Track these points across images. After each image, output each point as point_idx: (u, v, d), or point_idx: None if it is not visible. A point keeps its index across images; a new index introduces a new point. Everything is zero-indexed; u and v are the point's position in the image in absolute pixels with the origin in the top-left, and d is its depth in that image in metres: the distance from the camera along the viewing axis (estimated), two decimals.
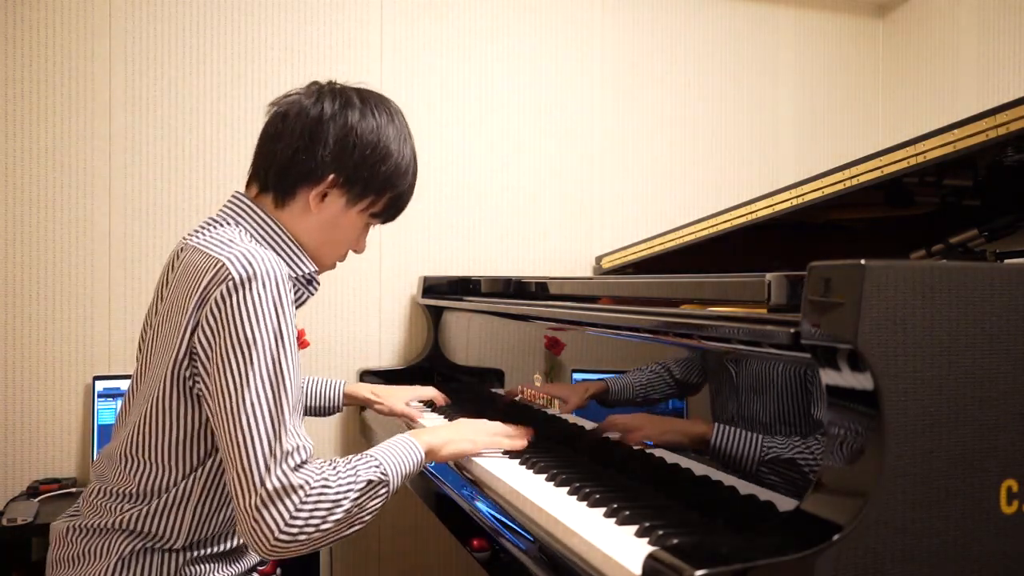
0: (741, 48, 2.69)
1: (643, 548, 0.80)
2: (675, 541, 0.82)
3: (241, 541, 1.16)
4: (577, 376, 1.33)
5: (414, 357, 2.29)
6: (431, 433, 1.19)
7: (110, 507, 1.08)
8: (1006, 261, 1.37)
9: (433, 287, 2.23)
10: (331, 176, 1.14)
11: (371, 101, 1.19)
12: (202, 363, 1.01)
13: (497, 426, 1.29)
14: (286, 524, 0.94)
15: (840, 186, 1.35)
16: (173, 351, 1.03)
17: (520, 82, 2.45)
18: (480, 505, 1.14)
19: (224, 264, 1.00)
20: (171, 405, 1.04)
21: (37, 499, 1.87)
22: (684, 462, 1.02)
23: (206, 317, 0.99)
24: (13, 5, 2.02)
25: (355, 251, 1.26)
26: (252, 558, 1.21)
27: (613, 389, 1.22)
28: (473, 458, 1.27)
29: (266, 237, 1.14)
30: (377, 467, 1.05)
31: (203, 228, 1.13)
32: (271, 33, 2.21)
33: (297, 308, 1.17)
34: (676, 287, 1.18)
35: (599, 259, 2.42)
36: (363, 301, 2.29)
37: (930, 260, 1.40)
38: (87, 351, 2.06)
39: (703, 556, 0.65)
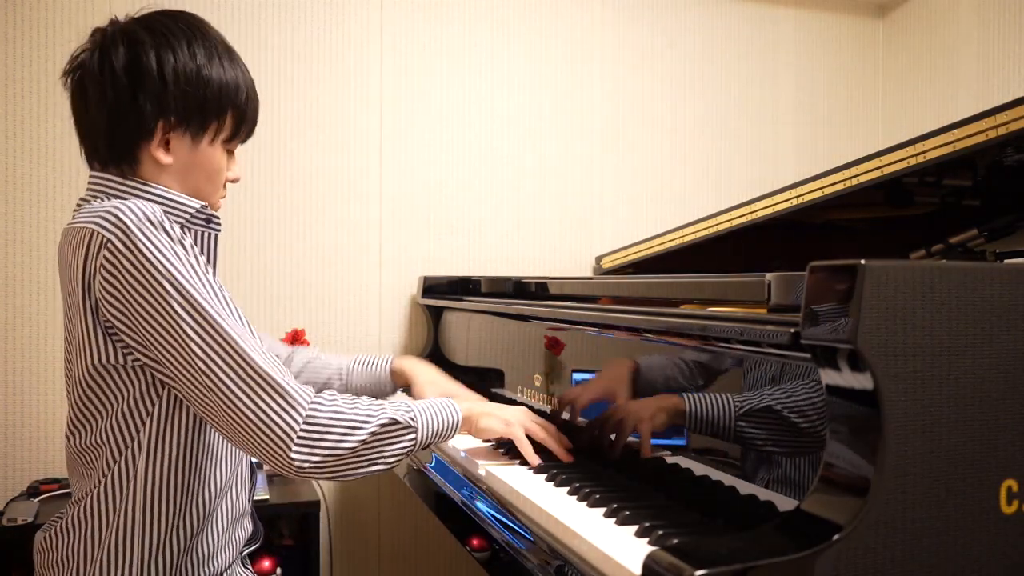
0: (741, 48, 2.69)
1: (643, 548, 0.80)
2: (675, 541, 0.82)
3: (203, 517, 1.10)
4: (577, 376, 1.33)
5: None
6: (471, 403, 1.19)
7: (71, 504, 1.07)
8: (1006, 261, 1.37)
9: (433, 287, 2.23)
10: (160, 123, 1.05)
11: (160, 28, 1.07)
12: (124, 335, 0.97)
13: (532, 423, 1.22)
14: (299, 434, 0.93)
15: (840, 186, 1.35)
16: (84, 338, 0.98)
17: (520, 82, 2.45)
18: (480, 505, 1.14)
19: (92, 230, 0.95)
20: (101, 391, 1.01)
21: (37, 499, 1.87)
22: (684, 462, 1.02)
23: (102, 289, 0.95)
24: (13, 5, 2.02)
25: (232, 181, 1.18)
26: (239, 537, 1.18)
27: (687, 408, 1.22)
28: (471, 456, 1.27)
29: (134, 196, 1.06)
30: (407, 411, 1.04)
31: (74, 213, 1.08)
32: (271, 33, 2.21)
33: (211, 253, 1.13)
34: (676, 287, 1.18)
35: (599, 259, 2.42)
36: (363, 301, 2.29)
37: (930, 260, 1.39)
38: None
39: (703, 556, 0.65)
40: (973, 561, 0.71)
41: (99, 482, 1.03)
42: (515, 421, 1.20)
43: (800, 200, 1.45)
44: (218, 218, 1.14)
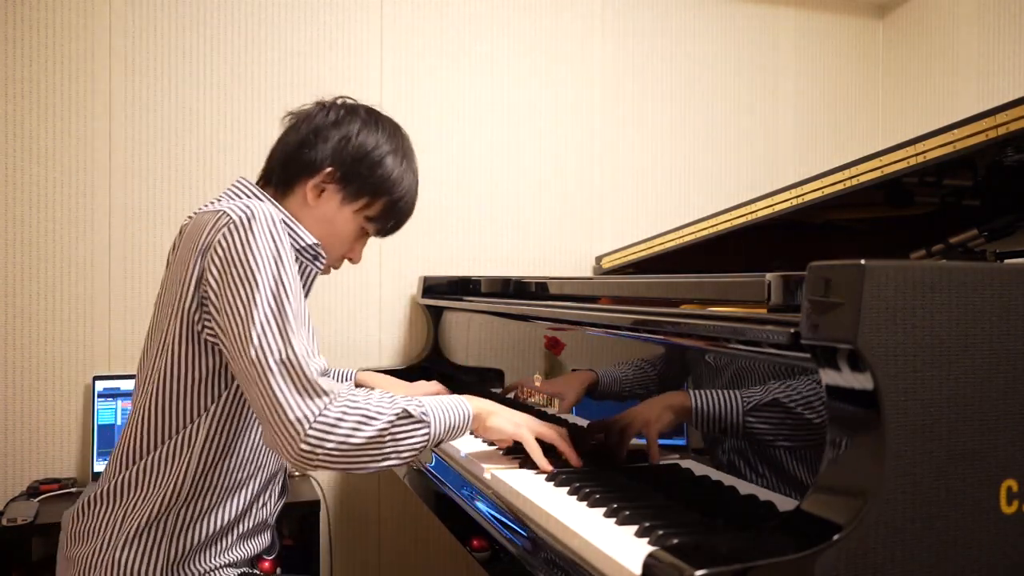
0: (741, 48, 2.69)
1: (643, 548, 0.80)
2: (675, 541, 0.82)
3: (240, 509, 1.17)
4: None
5: (414, 357, 2.29)
6: (482, 401, 1.20)
7: (117, 470, 1.12)
8: (1006, 261, 1.37)
9: (433, 287, 2.23)
10: (328, 168, 1.21)
11: (374, 115, 1.27)
12: (212, 303, 1.05)
13: (543, 427, 1.20)
14: (314, 423, 0.97)
15: (840, 186, 1.35)
16: (181, 302, 1.07)
17: (520, 82, 2.44)
18: (480, 505, 1.14)
19: (224, 212, 1.07)
20: (180, 354, 1.08)
21: (37, 499, 1.87)
22: (684, 462, 1.02)
23: (210, 261, 1.05)
24: (13, 5, 2.02)
25: (350, 259, 1.32)
26: (257, 544, 1.23)
27: (603, 383, 1.22)
28: (473, 458, 1.27)
29: (271, 204, 1.21)
30: (419, 406, 1.07)
31: (213, 203, 1.18)
32: (271, 33, 2.21)
33: (306, 287, 1.22)
34: (676, 287, 1.18)
35: (599, 259, 2.42)
36: (363, 301, 2.29)
37: (930, 260, 1.39)
38: (87, 351, 2.06)
39: (703, 556, 0.65)
40: (973, 561, 0.71)
41: (155, 449, 1.10)
42: (524, 423, 1.20)
43: (800, 200, 1.44)
44: (324, 258, 1.25)
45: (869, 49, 2.83)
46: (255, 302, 1.01)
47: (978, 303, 0.72)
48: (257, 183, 1.27)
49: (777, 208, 1.50)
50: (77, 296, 2.06)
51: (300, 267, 1.21)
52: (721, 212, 1.69)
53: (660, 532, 0.84)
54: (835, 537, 0.66)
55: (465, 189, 2.39)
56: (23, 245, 2.02)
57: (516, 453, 1.27)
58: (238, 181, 1.24)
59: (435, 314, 2.20)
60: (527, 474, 1.16)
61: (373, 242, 2.31)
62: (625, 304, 1.24)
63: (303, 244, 1.21)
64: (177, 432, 1.10)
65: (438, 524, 1.56)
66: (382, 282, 2.31)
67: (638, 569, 0.70)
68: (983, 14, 2.44)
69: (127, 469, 1.11)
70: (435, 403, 1.10)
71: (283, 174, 1.24)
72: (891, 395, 0.68)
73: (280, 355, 1.00)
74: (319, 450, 0.98)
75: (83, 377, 2.06)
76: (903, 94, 2.75)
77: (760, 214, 1.56)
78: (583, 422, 1.30)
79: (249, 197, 1.20)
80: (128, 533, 1.08)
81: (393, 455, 1.03)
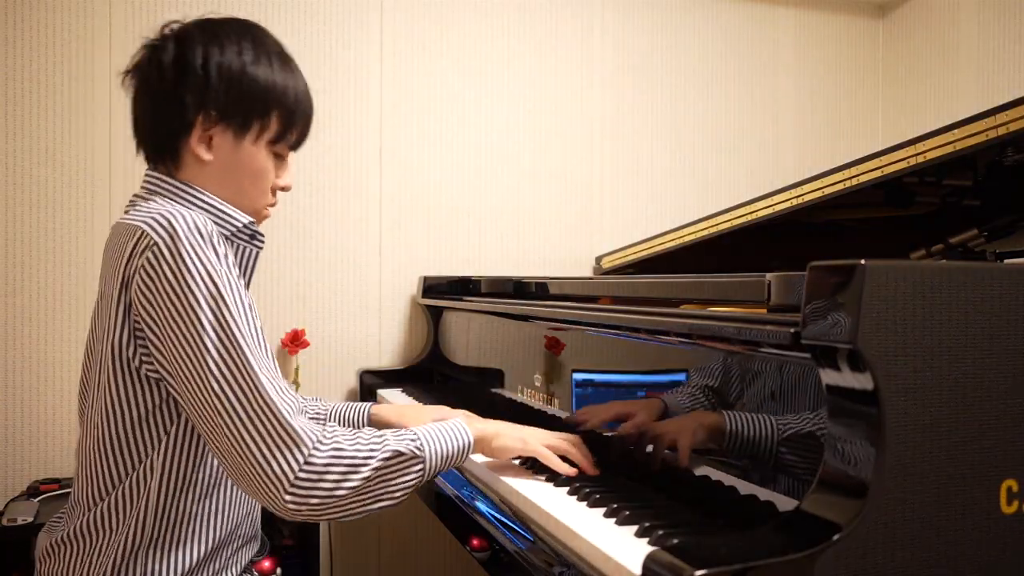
0: (741, 48, 2.69)
1: (643, 548, 0.80)
2: (675, 541, 0.82)
3: (219, 538, 1.09)
4: (577, 376, 1.33)
5: (414, 357, 2.29)
6: (483, 423, 1.13)
7: (81, 513, 1.04)
8: (1006, 261, 1.37)
9: (433, 287, 2.23)
10: (200, 116, 1.05)
11: (211, 29, 1.08)
12: (151, 340, 0.95)
13: (551, 437, 1.16)
14: (298, 473, 0.89)
15: (840, 186, 1.35)
16: (110, 337, 0.97)
17: (520, 82, 2.45)
18: (480, 505, 1.14)
19: (142, 230, 0.95)
20: (117, 391, 0.99)
21: (37, 499, 1.87)
22: (684, 462, 1.02)
23: (137, 292, 0.94)
24: (13, 5, 2.02)
25: (281, 188, 1.17)
26: (247, 553, 1.18)
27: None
28: (473, 458, 1.26)
29: (185, 200, 1.07)
30: (412, 440, 0.99)
31: (127, 209, 1.08)
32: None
33: (250, 269, 1.13)
34: (676, 287, 1.18)
35: (599, 259, 2.42)
36: (363, 301, 2.29)
37: (930, 260, 1.39)
38: None
39: (703, 556, 0.65)
40: (973, 561, 0.71)
41: (111, 491, 1.02)
42: (531, 438, 1.14)
43: (800, 200, 1.44)
44: (262, 236, 1.14)
45: (869, 49, 2.83)
46: (201, 339, 0.90)
47: (978, 303, 0.72)
48: (148, 166, 1.11)
49: (777, 208, 1.50)
50: (77, 296, 2.06)
51: (238, 251, 1.11)
52: (721, 212, 1.69)
53: (660, 532, 0.84)
54: (835, 537, 0.66)
55: (465, 189, 2.39)
56: (23, 245, 2.02)
57: (524, 462, 1.27)
58: (147, 176, 1.09)
59: (435, 314, 2.20)
60: (525, 473, 1.16)
61: (373, 242, 2.33)
62: (625, 304, 1.24)
63: (235, 227, 1.09)
64: (131, 471, 1.01)
65: (438, 524, 1.56)
66: (382, 282, 2.31)
67: (638, 569, 0.70)
68: (983, 14, 2.44)
69: (88, 511, 1.03)
70: (430, 432, 1.02)
71: (159, 146, 1.07)
72: (891, 395, 0.68)
73: (249, 404, 0.90)
74: (304, 506, 0.90)
75: None
76: (903, 94, 2.75)
77: (760, 214, 1.56)
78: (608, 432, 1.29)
79: (166, 197, 1.06)
80: (104, 569, 1.01)
81: (385, 497, 0.96)
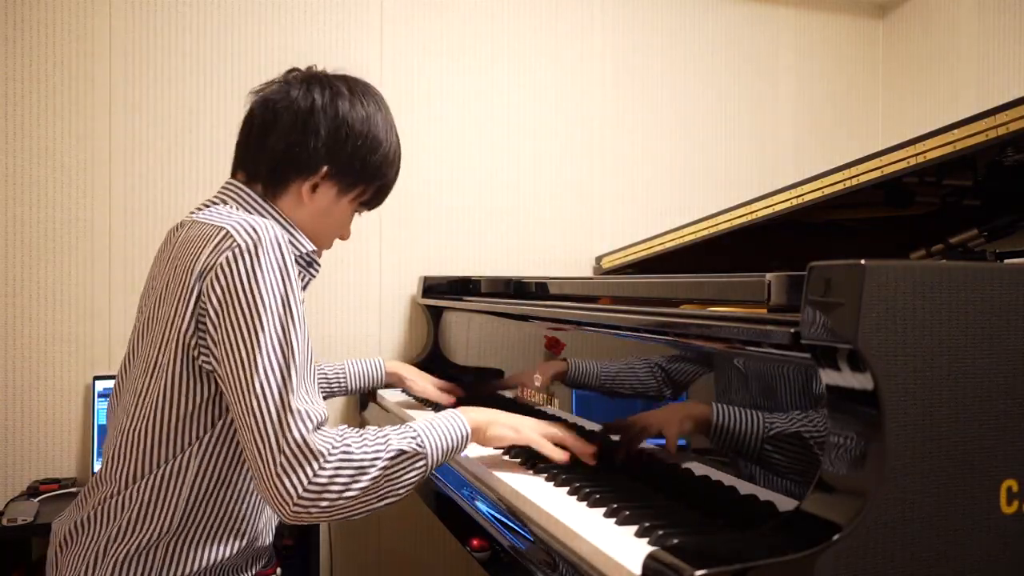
0: (741, 48, 2.69)
1: (643, 548, 0.80)
2: (675, 541, 0.82)
3: (239, 546, 1.12)
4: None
5: (414, 357, 2.29)
6: (477, 412, 1.16)
7: (106, 495, 1.06)
8: (1006, 261, 1.37)
9: (433, 287, 2.23)
10: (324, 168, 1.14)
11: (358, 90, 1.19)
12: (209, 333, 0.99)
13: (544, 426, 1.19)
14: (304, 489, 0.92)
15: (840, 186, 1.35)
16: (177, 324, 1.01)
17: (520, 82, 2.45)
18: (480, 505, 1.14)
19: (228, 231, 1.00)
20: (172, 378, 1.02)
21: (37, 499, 1.87)
22: (684, 462, 1.02)
23: (210, 285, 0.98)
24: (13, 5, 2.02)
25: (341, 239, 1.28)
26: (256, 566, 1.18)
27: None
28: (473, 457, 1.27)
29: (267, 215, 1.14)
30: (414, 438, 1.02)
31: (200, 209, 1.12)
32: (270, 33, 2.21)
33: (303, 290, 1.17)
34: (676, 287, 1.18)
35: (599, 259, 2.42)
36: (363, 301, 2.29)
37: (930, 260, 1.39)
38: (87, 351, 2.06)
39: (703, 556, 0.65)
40: (973, 561, 0.71)
41: (147, 475, 1.04)
42: (524, 427, 1.17)
43: (800, 200, 1.44)
44: (319, 265, 1.23)
45: (869, 49, 2.83)
46: (260, 348, 0.95)
47: (978, 303, 0.72)
48: (235, 177, 1.18)
49: (777, 208, 1.50)
50: (77, 296, 2.06)
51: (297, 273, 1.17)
52: (721, 212, 1.69)
53: (660, 532, 0.84)
54: (835, 537, 0.66)
55: (465, 189, 2.39)
56: (23, 245, 2.02)
57: (515, 453, 1.27)
58: (230, 185, 1.16)
59: (435, 314, 2.20)
60: (526, 473, 1.16)
61: (373, 241, 2.33)
62: (625, 304, 1.24)
63: (301, 252, 1.17)
64: (171, 459, 1.04)
65: (438, 524, 1.55)
66: (382, 282, 2.31)
67: (638, 569, 0.70)
68: (983, 14, 2.44)
69: (119, 494, 1.05)
70: (430, 428, 1.05)
71: (273, 175, 1.15)
72: (891, 395, 0.68)
73: (280, 414, 0.94)
74: (307, 514, 0.94)
75: (83, 377, 2.06)
76: (903, 94, 2.75)
77: (760, 214, 1.56)
78: (586, 423, 1.29)
79: (248, 209, 1.13)
80: (117, 559, 1.03)
81: (391, 494, 0.99)
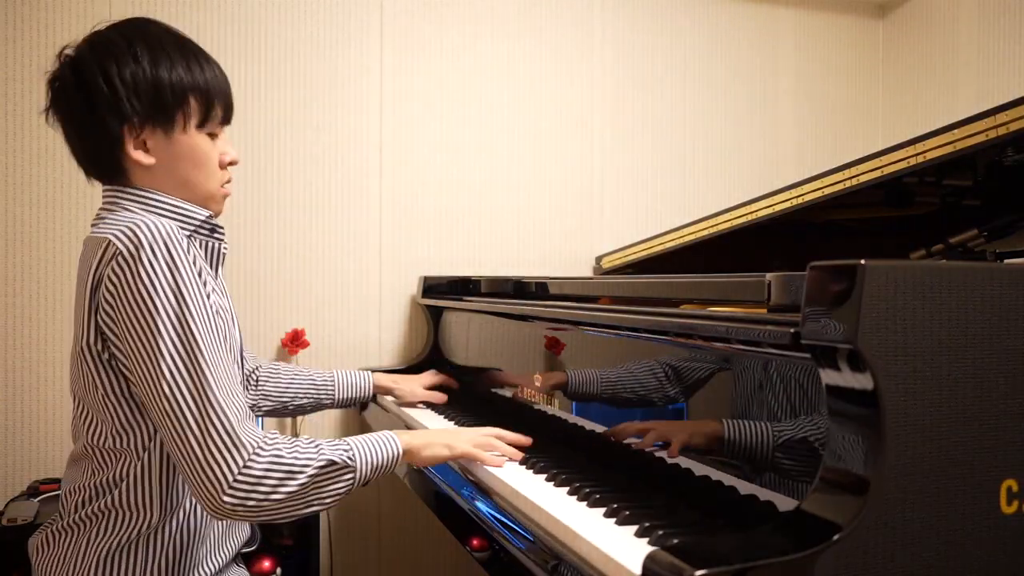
0: (741, 48, 2.69)
1: (643, 548, 0.80)
2: (675, 541, 0.82)
3: (219, 528, 1.15)
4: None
5: (414, 357, 2.29)
6: (412, 434, 1.17)
7: (83, 502, 1.07)
8: (1006, 261, 1.37)
9: (433, 287, 2.23)
10: (124, 127, 1.08)
11: (98, 44, 1.09)
12: (111, 342, 1.01)
13: (478, 436, 1.22)
14: (235, 479, 0.94)
15: (840, 186, 1.35)
16: (84, 338, 1.03)
17: (520, 82, 2.44)
18: (480, 505, 1.14)
19: (109, 240, 1.00)
20: (106, 388, 1.04)
21: (37, 499, 1.86)
22: (684, 462, 1.02)
23: (103, 297, 1.00)
24: (13, 5, 2.02)
25: (229, 163, 1.19)
26: (237, 539, 1.21)
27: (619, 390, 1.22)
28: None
29: (146, 205, 1.11)
30: (346, 451, 1.04)
31: (93, 224, 1.12)
32: (270, 32, 2.21)
33: (217, 263, 1.17)
34: (676, 287, 1.18)
35: (599, 259, 2.42)
36: (363, 301, 2.29)
37: (930, 260, 1.40)
38: None
39: (703, 556, 0.65)
40: (973, 561, 0.71)
41: (118, 484, 1.06)
42: (457, 442, 1.19)
43: (800, 200, 1.45)
44: (222, 228, 1.18)
45: (869, 49, 2.83)
46: (160, 351, 0.95)
47: (978, 303, 0.72)
48: (104, 184, 1.15)
49: (777, 208, 1.50)
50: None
51: (203, 246, 1.15)
52: (721, 212, 1.70)
53: (660, 532, 0.84)
54: (835, 537, 0.66)
55: (465, 189, 2.39)
56: (23, 245, 2.02)
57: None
58: (104, 191, 1.14)
59: (435, 314, 2.20)
60: (526, 473, 1.16)
61: (373, 242, 2.33)
62: (625, 304, 1.24)
63: (195, 224, 1.13)
64: (137, 459, 1.05)
65: (438, 524, 1.56)
66: (382, 282, 2.31)
67: (638, 569, 0.70)
68: (983, 14, 2.44)
69: (96, 501, 1.06)
70: (362, 443, 1.07)
71: (102, 165, 1.12)
72: (891, 395, 0.68)
73: (197, 408, 0.95)
74: (240, 507, 0.95)
75: None
76: (903, 94, 2.75)
77: (760, 214, 1.56)
78: (586, 423, 1.30)
79: (128, 203, 1.10)
80: (101, 553, 1.05)
81: (316, 502, 1.01)
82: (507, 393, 1.61)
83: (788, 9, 2.73)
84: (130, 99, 1.07)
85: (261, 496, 0.96)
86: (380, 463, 1.08)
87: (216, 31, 2.16)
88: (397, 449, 1.11)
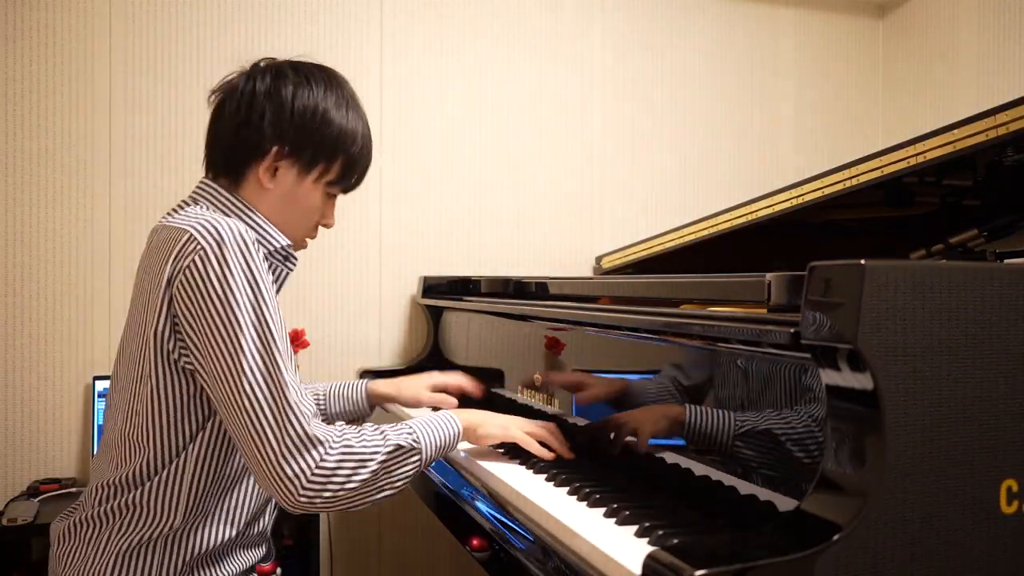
0: (741, 48, 2.69)
1: (643, 548, 0.80)
2: (675, 541, 0.82)
3: (236, 531, 1.15)
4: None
5: (414, 357, 2.29)
6: (469, 413, 1.22)
7: (107, 497, 1.08)
8: (1006, 261, 1.37)
9: (433, 287, 2.23)
10: (275, 148, 1.13)
11: (304, 71, 1.17)
12: (188, 337, 1.01)
13: (531, 425, 1.25)
14: (313, 473, 0.97)
15: (840, 186, 1.35)
16: (152, 326, 1.03)
17: (520, 82, 2.44)
18: (480, 505, 1.14)
19: (191, 234, 1.01)
20: (158, 381, 1.04)
21: (37, 499, 1.87)
22: (684, 462, 1.02)
23: (180, 287, 1.00)
24: (13, 5, 2.02)
25: (324, 225, 1.24)
26: (254, 554, 1.21)
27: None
28: (474, 458, 1.27)
29: (233, 213, 1.14)
30: (410, 434, 1.07)
31: (171, 212, 1.14)
32: (271, 33, 2.21)
33: (278, 287, 1.18)
34: (676, 287, 1.18)
35: (599, 259, 2.42)
36: (363, 301, 2.29)
37: (930, 260, 1.39)
38: (87, 351, 2.06)
39: (703, 556, 0.65)
40: (973, 561, 0.71)
41: (149, 479, 1.06)
42: (512, 425, 1.23)
43: (800, 200, 1.44)
44: (296, 258, 1.21)
45: (869, 49, 2.83)
46: (241, 348, 0.97)
47: (978, 303, 0.72)
48: (206, 175, 1.19)
49: (777, 208, 1.50)
50: (77, 296, 2.06)
51: (272, 269, 1.17)
52: (721, 212, 1.70)
53: (660, 532, 0.84)
54: (835, 537, 0.66)
55: (465, 189, 2.39)
56: (23, 245, 2.02)
57: (507, 449, 1.27)
58: (201, 184, 1.17)
59: (435, 314, 2.20)
60: (525, 473, 1.16)
61: (373, 241, 2.33)
62: (625, 304, 1.24)
63: (273, 247, 1.16)
64: (169, 462, 1.06)
65: (438, 524, 1.56)
66: (382, 282, 2.31)
67: (638, 569, 0.70)
68: (983, 14, 2.44)
69: (121, 495, 1.07)
70: (425, 426, 1.10)
71: (229, 163, 1.15)
72: (891, 395, 0.68)
73: (275, 409, 0.97)
74: (317, 499, 0.98)
75: (83, 377, 2.06)
76: (903, 94, 2.75)
77: (760, 214, 1.56)
78: (581, 422, 1.30)
79: (217, 205, 1.14)
80: (120, 551, 1.06)
81: (388, 487, 1.04)
82: (507, 393, 1.61)
83: (788, 9, 2.73)
84: (297, 130, 1.13)
85: (336, 487, 0.98)
86: (443, 443, 1.12)
87: (216, 32, 2.16)
88: (457, 428, 1.16)
